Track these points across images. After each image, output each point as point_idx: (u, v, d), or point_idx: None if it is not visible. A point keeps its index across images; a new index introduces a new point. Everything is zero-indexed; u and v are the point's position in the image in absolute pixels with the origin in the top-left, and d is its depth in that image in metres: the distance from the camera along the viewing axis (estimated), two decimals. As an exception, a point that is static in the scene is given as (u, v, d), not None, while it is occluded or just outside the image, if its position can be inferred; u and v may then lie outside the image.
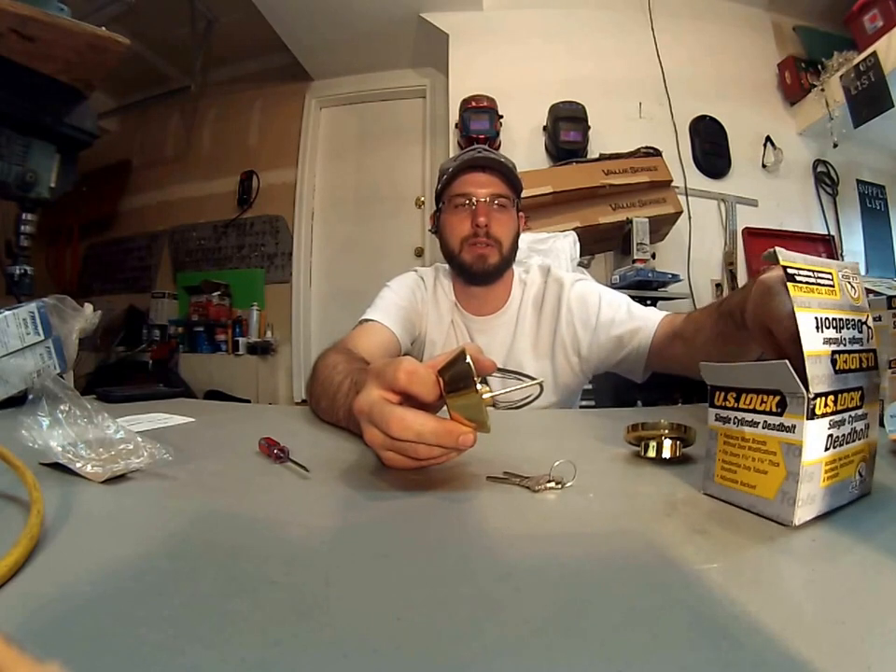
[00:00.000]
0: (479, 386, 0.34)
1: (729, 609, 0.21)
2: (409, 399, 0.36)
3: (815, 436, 0.27)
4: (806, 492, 0.27)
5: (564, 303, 0.90)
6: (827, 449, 0.28)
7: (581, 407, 0.89)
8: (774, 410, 0.28)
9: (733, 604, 0.21)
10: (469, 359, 0.34)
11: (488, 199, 0.87)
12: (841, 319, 0.29)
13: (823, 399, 0.27)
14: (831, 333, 0.28)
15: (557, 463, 0.36)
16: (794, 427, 0.27)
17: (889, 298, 0.80)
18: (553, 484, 0.35)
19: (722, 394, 0.32)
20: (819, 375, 0.27)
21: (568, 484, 0.35)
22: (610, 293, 0.90)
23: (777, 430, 0.28)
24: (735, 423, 0.31)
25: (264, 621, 0.20)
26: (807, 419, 0.27)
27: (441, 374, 0.35)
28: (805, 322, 0.27)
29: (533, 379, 0.44)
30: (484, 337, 0.93)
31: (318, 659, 0.18)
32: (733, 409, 0.31)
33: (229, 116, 3.42)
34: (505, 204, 0.88)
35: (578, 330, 0.88)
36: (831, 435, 0.28)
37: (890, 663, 0.18)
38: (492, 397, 0.35)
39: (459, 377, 0.34)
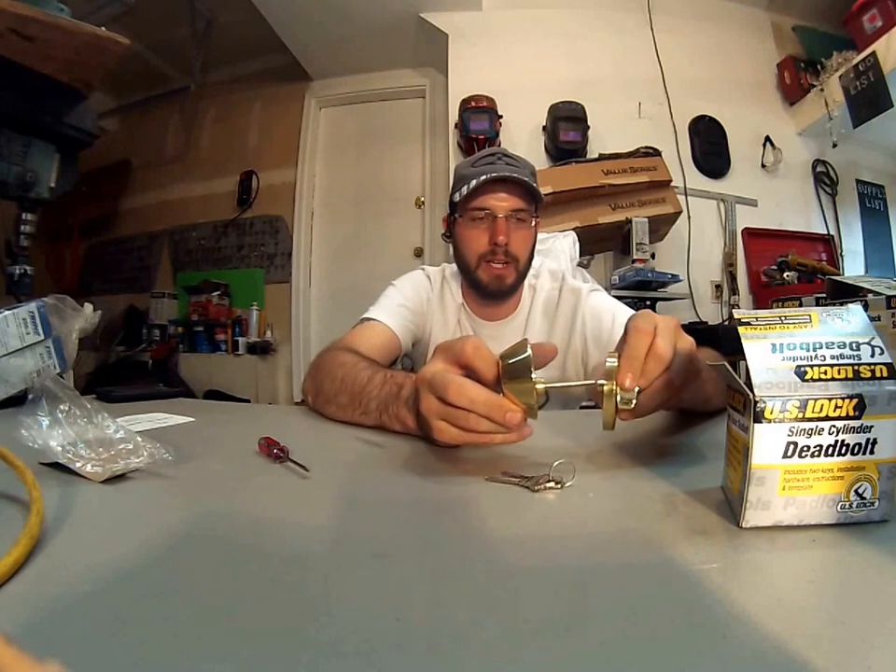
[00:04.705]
0: (534, 376, 0.37)
1: (729, 609, 0.21)
2: (470, 375, 0.40)
3: (767, 440, 0.27)
4: (756, 496, 0.28)
5: (579, 314, 0.89)
6: (788, 456, 0.27)
7: (582, 407, 0.88)
8: (741, 409, 0.29)
9: (733, 604, 0.21)
10: (529, 349, 0.37)
11: (508, 214, 0.85)
12: (818, 343, 0.29)
13: (779, 402, 0.27)
14: (798, 353, 0.29)
15: (557, 463, 0.36)
16: (747, 428, 0.28)
17: (889, 297, 0.80)
18: (552, 484, 0.35)
19: (729, 392, 0.33)
20: (771, 382, 0.28)
21: (568, 484, 0.35)
22: (623, 312, 0.88)
23: (743, 430, 0.29)
24: (730, 420, 0.32)
25: (264, 621, 0.20)
26: (754, 422, 0.27)
27: (501, 358, 0.38)
28: (755, 347, 0.30)
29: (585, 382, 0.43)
30: (493, 342, 0.92)
31: (318, 659, 0.18)
32: (731, 407, 0.32)
33: (228, 116, 3.41)
34: (524, 218, 0.86)
35: (589, 345, 0.88)
36: (794, 443, 0.27)
37: (890, 663, 0.18)
38: (545, 387, 0.38)
39: (518, 363, 0.37)
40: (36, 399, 0.40)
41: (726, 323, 2.46)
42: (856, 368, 0.28)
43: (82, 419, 0.41)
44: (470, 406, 0.37)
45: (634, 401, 0.38)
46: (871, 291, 0.88)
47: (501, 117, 2.54)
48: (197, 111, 3.43)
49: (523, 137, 2.60)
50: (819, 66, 2.62)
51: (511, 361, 0.38)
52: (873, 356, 0.29)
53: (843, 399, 0.27)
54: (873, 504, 0.28)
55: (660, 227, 2.43)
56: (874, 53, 2.24)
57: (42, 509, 0.28)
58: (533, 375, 0.37)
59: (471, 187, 0.84)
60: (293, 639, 0.19)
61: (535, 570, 0.25)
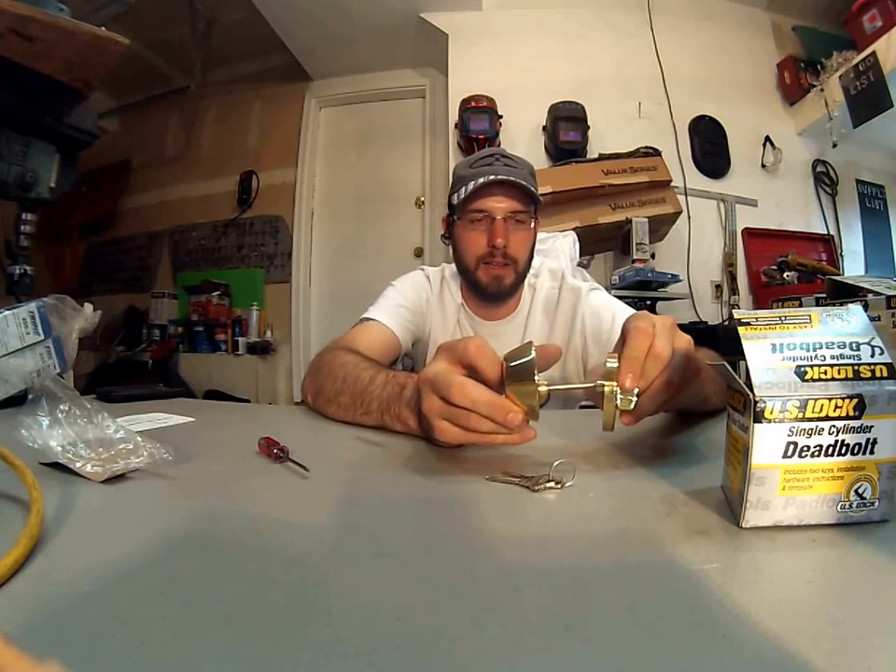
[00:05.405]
0: (537, 378, 0.37)
1: (729, 608, 0.21)
2: (473, 375, 0.40)
3: (767, 440, 0.27)
4: (756, 496, 0.28)
5: (579, 313, 0.89)
6: (788, 456, 0.27)
7: (581, 407, 0.88)
8: (741, 409, 0.29)
9: (733, 604, 0.21)
10: (533, 351, 0.37)
11: (506, 216, 0.85)
12: (818, 343, 0.29)
13: (779, 402, 0.27)
14: (798, 353, 0.29)
15: (557, 463, 0.36)
16: (747, 428, 0.28)
17: (889, 297, 0.80)
18: (552, 484, 0.35)
19: (729, 392, 0.33)
20: (771, 382, 0.28)
21: (568, 484, 0.35)
22: (623, 311, 0.88)
23: (743, 430, 0.29)
24: (730, 420, 0.32)
25: (264, 621, 0.20)
26: (754, 422, 0.27)
27: (505, 359, 0.38)
28: (755, 347, 0.30)
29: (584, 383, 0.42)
30: (493, 342, 0.92)
31: (318, 659, 0.18)
32: (731, 407, 0.32)
33: (228, 116, 3.41)
34: (523, 220, 0.86)
35: (589, 343, 0.88)
36: (794, 443, 0.27)
37: (890, 663, 0.18)
38: (547, 389, 0.38)
39: (522, 365, 0.37)
40: (36, 399, 0.40)
41: (726, 323, 2.46)
42: (856, 368, 0.28)
43: (82, 419, 0.41)
44: (472, 406, 0.38)
45: (634, 402, 0.38)
46: (871, 291, 0.88)
47: (501, 117, 2.53)
48: (197, 111, 3.43)
49: (523, 137, 2.60)
50: (818, 66, 2.62)
51: (515, 363, 0.38)
52: (873, 356, 0.29)
53: (843, 399, 0.27)
54: (873, 504, 0.28)
55: (660, 227, 2.43)
56: (874, 53, 2.24)
57: (42, 509, 0.28)
58: (536, 377, 0.37)
59: (469, 189, 0.84)
60: (293, 639, 0.19)
61: (535, 570, 0.25)
